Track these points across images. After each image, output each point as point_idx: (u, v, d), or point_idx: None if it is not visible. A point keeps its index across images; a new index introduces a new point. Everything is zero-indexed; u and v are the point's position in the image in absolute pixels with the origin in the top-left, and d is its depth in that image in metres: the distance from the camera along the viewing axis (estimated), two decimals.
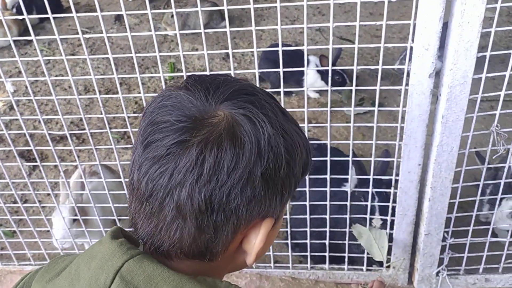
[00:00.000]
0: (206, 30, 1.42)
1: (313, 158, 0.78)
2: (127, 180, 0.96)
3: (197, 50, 4.01)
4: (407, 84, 1.44)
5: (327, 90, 1.55)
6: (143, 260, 0.61)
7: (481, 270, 1.84)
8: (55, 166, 2.87)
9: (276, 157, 0.61)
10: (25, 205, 1.99)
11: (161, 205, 0.60)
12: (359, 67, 1.50)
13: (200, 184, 0.58)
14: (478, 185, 1.64)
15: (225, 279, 0.68)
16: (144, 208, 0.62)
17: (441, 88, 1.44)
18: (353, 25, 1.37)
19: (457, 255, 1.79)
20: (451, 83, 1.40)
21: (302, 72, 3.05)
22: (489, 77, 1.42)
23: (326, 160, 1.63)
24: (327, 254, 1.88)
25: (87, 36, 1.50)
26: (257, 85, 0.81)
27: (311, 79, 3.20)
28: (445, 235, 1.72)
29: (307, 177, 1.68)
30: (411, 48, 1.37)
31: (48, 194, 2.71)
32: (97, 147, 1.70)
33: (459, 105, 1.44)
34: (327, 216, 1.76)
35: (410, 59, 1.40)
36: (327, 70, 1.51)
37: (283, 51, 1.47)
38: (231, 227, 0.62)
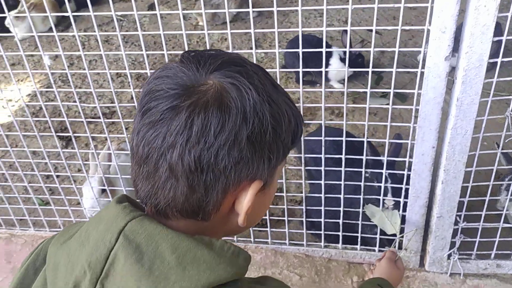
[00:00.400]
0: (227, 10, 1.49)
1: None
2: None
3: (225, 39, 4.11)
4: (423, 67, 1.49)
5: (350, 81, 1.62)
6: (144, 220, 0.66)
7: (492, 255, 1.86)
8: (86, 144, 3.02)
9: (261, 122, 0.65)
10: (58, 173, 2.11)
11: (156, 166, 0.65)
12: (376, 49, 1.55)
13: (189, 145, 0.63)
14: (496, 172, 1.66)
15: None
16: (142, 170, 0.68)
17: (457, 71, 1.48)
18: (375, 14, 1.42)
19: (469, 239, 1.82)
20: (467, 66, 1.44)
21: (326, 64, 3.12)
22: (505, 62, 1.45)
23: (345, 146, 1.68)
24: (340, 233, 1.94)
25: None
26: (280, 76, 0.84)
27: (336, 69, 3.24)
28: (458, 218, 1.76)
29: (323, 158, 1.74)
30: (428, 30, 1.42)
31: (79, 170, 2.86)
32: (127, 120, 1.80)
33: (474, 88, 1.47)
34: (341, 196, 1.82)
35: (427, 42, 1.44)
36: (350, 55, 1.57)
37: (307, 42, 1.53)
38: (220, 187, 0.66)
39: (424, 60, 1.47)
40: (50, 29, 4.59)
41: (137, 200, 0.74)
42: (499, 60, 1.45)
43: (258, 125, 0.65)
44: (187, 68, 0.67)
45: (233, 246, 0.67)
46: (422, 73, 1.50)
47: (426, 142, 1.62)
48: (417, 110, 1.57)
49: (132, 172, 0.71)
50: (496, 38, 1.39)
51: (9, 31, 4.00)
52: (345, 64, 3.21)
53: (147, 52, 1.54)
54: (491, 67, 1.47)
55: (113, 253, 0.64)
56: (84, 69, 1.71)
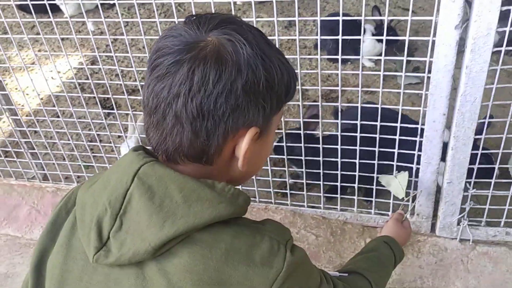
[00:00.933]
0: None
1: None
2: None
3: (261, 18, 4.23)
4: (434, 35, 1.56)
5: (381, 60, 1.71)
6: (155, 165, 0.76)
7: (502, 223, 1.92)
8: (127, 114, 3.24)
9: (254, 73, 0.74)
10: (99, 135, 2.32)
11: (163, 115, 0.75)
12: (389, 18, 1.64)
13: (191, 94, 0.72)
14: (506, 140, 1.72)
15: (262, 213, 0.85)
16: (152, 120, 0.78)
17: (467, 39, 1.55)
18: None
19: (479, 206, 1.89)
20: (475, 35, 1.50)
21: (358, 41, 3.18)
22: None
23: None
24: (355, 198, 2.05)
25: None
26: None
27: (368, 46, 3.30)
28: (467, 185, 1.83)
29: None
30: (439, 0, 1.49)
31: (119, 136, 3.09)
32: None
33: (482, 56, 1.54)
34: (357, 161, 1.93)
35: (438, 11, 1.52)
36: (382, 32, 1.66)
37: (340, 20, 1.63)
38: (220, 133, 0.75)
39: (435, 28, 1.55)
40: (97, 7, 4.89)
41: (149, 148, 0.85)
42: (507, 29, 1.50)
43: (251, 76, 0.73)
44: (190, 28, 0.76)
45: (233, 188, 0.77)
46: (433, 42, 1.58)
47: (437, 109, 1.70)
48: (429, 78, 1.66)
49: (144, 122, 0.81)
50: (505, 8, 1.45)
51: (59, 9, 4.28)
52: (377, 41, 3.28)
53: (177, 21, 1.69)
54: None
55: (129, 192, 0.74)
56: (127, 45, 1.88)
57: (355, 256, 1.30)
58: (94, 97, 2.08)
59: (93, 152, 2.38)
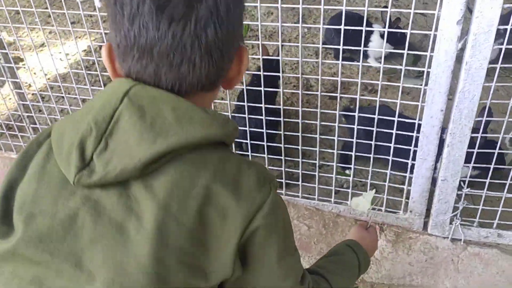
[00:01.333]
0: None
1: None
2: None
3: (272, 13, 4.23)
4: (436, 30, 1.57)
5: (388, 60, 1.71)
6: (147, 87, 0.76)
7: (495, 225, 1.92)
8: None
9: None
10: None
11: (192, 50, 0.74)
12: (392, 10, 1.64)
13: (220, 21, 0.74)
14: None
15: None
16: (170, 59, 0.74)
17: (468, 35, 1.55)
18: None
19: (472, 206, 1.89)
20: (477, 31, 1.51)
21: (366, 42, 3.18)
22: None
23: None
24: (350, 190, 2.05)
25: None
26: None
27: (376, 46, 3.30)
28: (462, 184, 1.83)
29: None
30: None
31: None
32: None
33: (482, 53, 1.54)
34: (353, 153, 1.94)
35: (440, 5, 1.52)
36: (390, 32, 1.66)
37: (348, 19, 1.64)
38: (233, 53, 0.81)
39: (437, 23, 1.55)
40: None
41: None
42: (508, 27, 1.50)
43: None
44: None
45: (224, 115, 0.80)
46: (435, 36, 1.58)
47: (435, 105, 1.70)
48: (428, 73, 1.66)
49: (148, 67, 0.75)
50: (507, 5, 1.45)
51: None
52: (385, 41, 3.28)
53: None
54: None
55: (117, 112, 0.73)
56: None
57: (319, 259, 1.24)
58: (99, 80, 2.09)
59: None
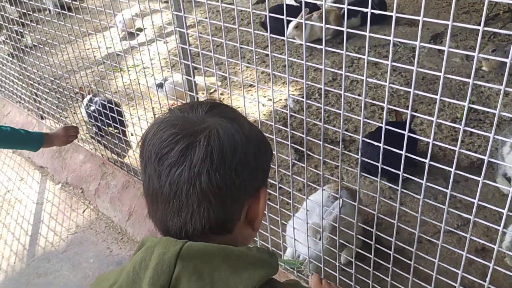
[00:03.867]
0: None
1: None
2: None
3: None
4: None
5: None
6: (191, 243, 0.74)
7: None
8: (316, 166, 2.95)
9: (257, 141, 0.82)
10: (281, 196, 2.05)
11: (187, 195, 0.75)
12: None
13: (213, 168, 0.74)
14: None
15: None
16: (172, 206, 0.76)
17: None
18: None
19: None
20: None
21: None
22: None
23: None
24: None
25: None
26: None
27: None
28: None
29: None
30: None
31: (300, 190, 2.81)
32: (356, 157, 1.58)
33: None
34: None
35: None
36: None
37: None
38: (242, 198, 0.79)
39: None
40: (329, 39, 4.77)
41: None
42: None
43: (256, 143, 0.82)
44: (183, 113, 0.81)
45: (264, 248, 0.80)
46: None
47: None
48: None
49: (157, 214, 0.79)
50: None
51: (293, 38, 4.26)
52: None
53: (414, 91, 1.26)
54: None
55: (174, 278, 0.71)
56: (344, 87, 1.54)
57: None
58: (288, 136, 1.78)
59: None
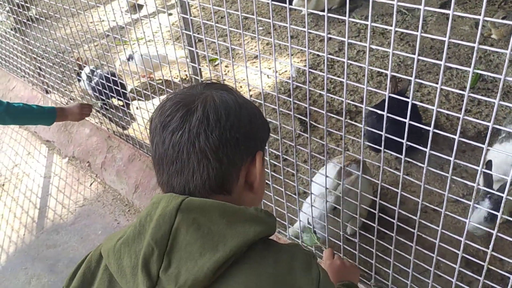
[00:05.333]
0: None
1: None
2: None
3: None
4: None
5: None
6: (192, 198, 0.80)
7: None
8: (321, 137, 2.93)
9: (252, 108, 0.90)
10: (286, 157, 2.05)
11: (188, 155, 0.82)
12: None
13: (210, 129, 0.82)
14: None
15: None
16: (175, 166, 0.83)
17: None
18: None
19: None
20: None
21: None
22: None
23: None
24: None
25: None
26: None
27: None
28: None
29: None
30: None
31: (305, 161, 2.80)
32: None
33: None
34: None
35: None
36: None
37: None
38: (238, 157, 0.85)
39: None
40: (335, 8, 4.67)
41: None
42: None
43: (250, 110, 0.89)
44: (182, 92, 0.88)
45: (263, 209, 0.84)
46: None
47: None
48: None
49: (163, 176, 0.86)
50: None
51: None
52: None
53: (419, 57, 1.23)
54: None
55: (174, 228, 0.76)
56: (350, 57, 1.51)
57: None
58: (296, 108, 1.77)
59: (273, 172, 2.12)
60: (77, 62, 3.31)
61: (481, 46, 1.07)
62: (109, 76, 2.87)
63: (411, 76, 1.26)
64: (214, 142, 0.82)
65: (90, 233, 2.74)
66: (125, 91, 2.85)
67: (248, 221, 0.80)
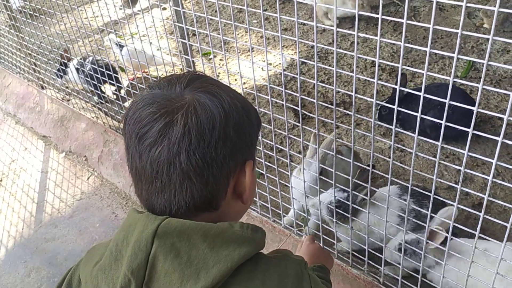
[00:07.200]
0: None
1: None
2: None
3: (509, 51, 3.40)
4: None
5: None
6: (170, 221, 0.73)
7: None
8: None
9: (238, 114, 0.79)
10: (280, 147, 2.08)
11: (168, 175, 0.74)
12: None
13: (192, 147, 0.73)
14: None
15: None
16: (155, 186, 0.76)
17: None
18: None
19: None
20: None
21: None
22: None
23: None
24: None
25: None
26: None
27: None
28: None
29: None
30: None
31: (300, 152, 2.83)
32: (360, 117, 1.59)
33: None
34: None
35: None
36: None
37: None
38: (225, 174, 0.78)
39: None
40: None
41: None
42: None
43: (237, 117, 0.78)
44: (161, 90, 0.79)
45: (249, 224, 0.78)
46: None
47: None
48: None
49: (143, 193, 0.79)
50: None
51: None
52: None
53: (408, 45, 1.26)
54: None
55: (151, 256, 0.70)
56: (344, 49, 1.54)
57: None
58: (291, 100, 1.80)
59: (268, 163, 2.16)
60: (65, 54, 3.29)
61: (464, 32, 1.09)
62: (100, 59, 2.89)
63: (405, 66, 1.29)
64: (197, 163, 0.74)
65: (88, 226, 2.76)
66: (117, 75, 2.84)
67: (233, 243, 0.73)
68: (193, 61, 2.08)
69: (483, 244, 1.55)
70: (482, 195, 1.36)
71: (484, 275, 1.44)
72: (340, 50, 1.44)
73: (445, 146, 1.32)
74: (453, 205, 1.39)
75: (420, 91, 1.28)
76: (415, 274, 1.69)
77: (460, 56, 1.14)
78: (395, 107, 1.38)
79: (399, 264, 1.71)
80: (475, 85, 1.17)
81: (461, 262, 1.55)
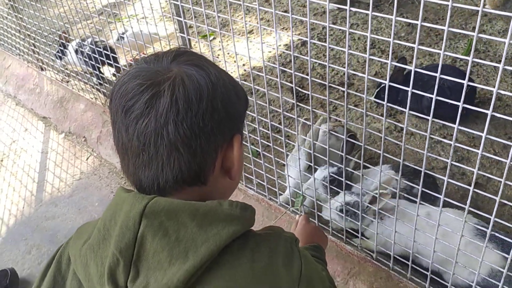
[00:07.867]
0: None
1: None
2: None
3: None
4: None
5: None
6: (158, 200, 0.72)
7: None
8: (316, 108, 2.97)
9: (225, 87, 0.78)
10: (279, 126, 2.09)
11: (155, 147, 0.73)
12: None
13: (180, 117, 0.72)
14: None
15: None
16: (142, 158, 0.74)
17: None
18: None
19: None
20: None
21: None
22: None
23: None
24: None
25: None
26: None
27: None
28: None
29: None
30: None
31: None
32: (359, 95, 1.60)
33: None
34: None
35: None
36: None
37: None
38: (212, 147, 0.77)
39: None
40: None
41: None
42: None
43: (225, 90, 0.78)
44: (147, 63, 0.78)
45: (238, 202, 0.77)
46: None
47: None
48: None
49: (129, 168, 0.77)
50: None
51: None
52: None
53: (425, 24, 1.26)
54: None
55: (139, 235, 0.69)
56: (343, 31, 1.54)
57: None
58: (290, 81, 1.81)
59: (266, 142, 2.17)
60: (63, 34, 3.29)
61: (455, 4, 1.10)
62: (98, 40, 2.89)
63: (406, 48, 1.29)
64: (185, 133, 0.73)
65: (88, 205, 2.80)
66: (115, 55, 2.85)
67: (221, 221, 0.73)
68: (189, 39, 2.08)
69: (426, 209, 1.72)
70: (473, 169, 1.38)
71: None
72: (334, 26, 1.44)
73: (435, 120, 1.33)
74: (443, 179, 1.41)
75: (421, 71, 1.28)
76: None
77: (451, 29, 1.15)
78: (386, 82, 1.39)
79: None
80: (465, 59, 1.18)
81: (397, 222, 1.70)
